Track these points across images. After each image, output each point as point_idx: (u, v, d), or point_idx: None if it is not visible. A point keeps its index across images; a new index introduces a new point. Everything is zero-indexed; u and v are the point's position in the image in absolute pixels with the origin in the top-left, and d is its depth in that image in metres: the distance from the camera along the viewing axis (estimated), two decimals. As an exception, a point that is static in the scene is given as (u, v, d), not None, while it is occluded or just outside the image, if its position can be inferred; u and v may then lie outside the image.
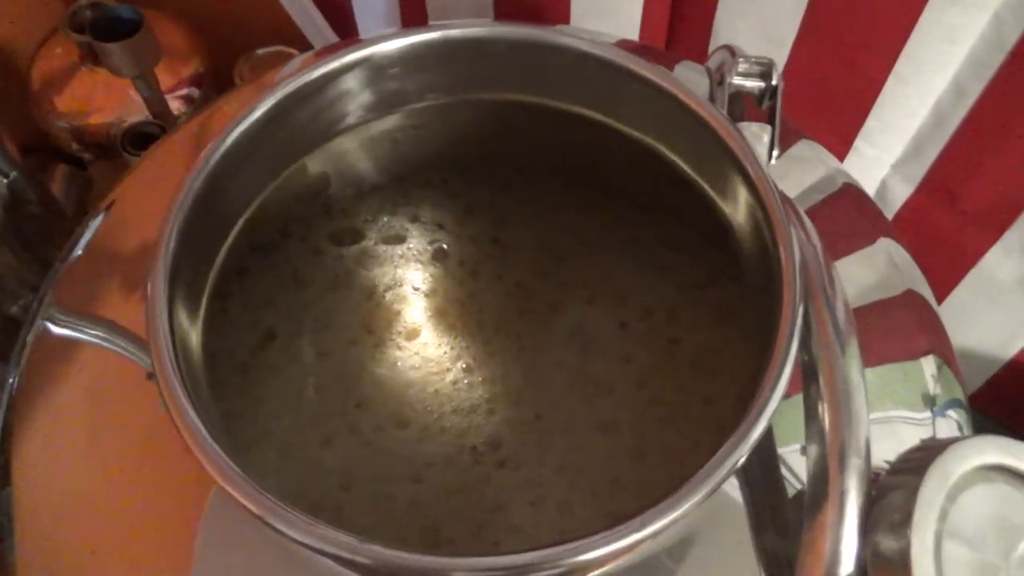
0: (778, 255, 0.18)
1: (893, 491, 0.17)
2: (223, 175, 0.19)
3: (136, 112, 0.47)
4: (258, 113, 0.20)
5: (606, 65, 0.21)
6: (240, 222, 0.21)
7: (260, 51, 0.53)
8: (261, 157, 0.21)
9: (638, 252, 0.31)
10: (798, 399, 0.20)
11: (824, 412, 0.18)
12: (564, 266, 0.32)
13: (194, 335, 0.19)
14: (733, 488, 0.20)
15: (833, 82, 0.38)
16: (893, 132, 0.39)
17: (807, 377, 0.18)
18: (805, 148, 0.29)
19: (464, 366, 0.32)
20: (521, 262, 0.33)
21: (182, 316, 0.18)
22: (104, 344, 0.22)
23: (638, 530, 0.15)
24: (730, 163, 0.20)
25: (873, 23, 0.35)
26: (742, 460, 0.17)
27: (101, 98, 0.49)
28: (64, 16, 0.47)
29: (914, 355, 0.23)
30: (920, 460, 0.17)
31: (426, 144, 0.30)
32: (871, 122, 0.38)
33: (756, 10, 0.37)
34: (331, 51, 0.22)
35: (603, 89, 0.23)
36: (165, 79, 0.50)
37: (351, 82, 0.22)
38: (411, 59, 0.22)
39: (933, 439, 0.20)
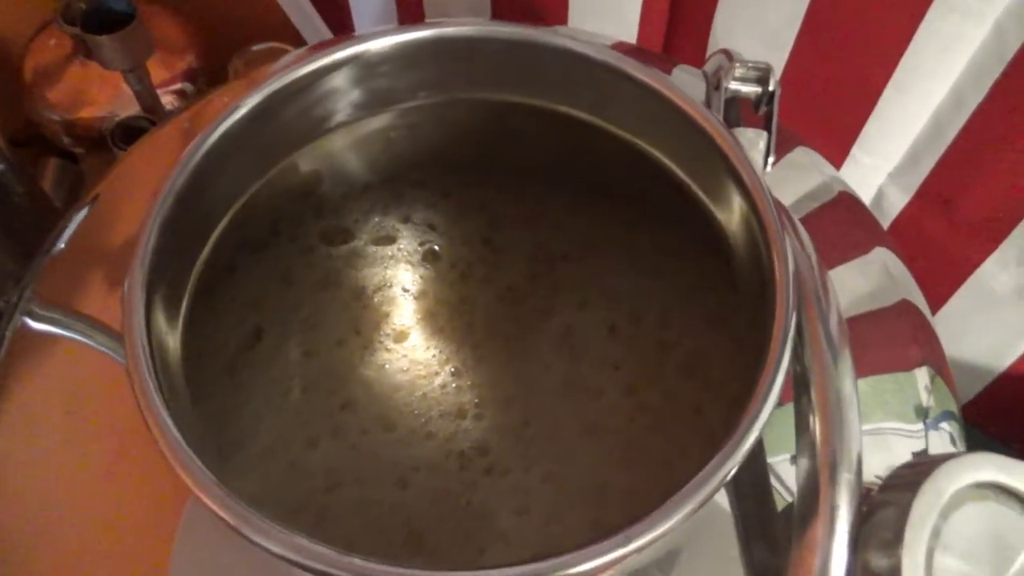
0: (771, 263, 0.18)
1: (884, 508, 0.16)
2: (207, 172, 0.19)
3: (129, 106, 0.47)
4: (244, 110, 0.19)
5: (600, 66, 0.21)
6: (224, 220, 0.21)
7: (255, 47, 0.52)
8: (247, 154, 0.21)
9: (632, 257, 0.31)
10: (790, 407, 0.19)
11: (815, 424, 0.17)
12: (556, 270, 0.32)
13: (173, 337, 0.18)
14: (722, 500, 0.20)
15: (831, 89, 0.38)
16: (891, 140, 0.38)
17: (798, 388, 0.18)
18: (802, 155, 0.29)
19: (452, 370, 0.31)
20: (513, 265, 0.32)
21: (161, 317, 0.18)
22: (83, 340, 0.21)
23: (623, 544, 0.15)
24: (724, 169, 0.20)
25: (872, 30, 0.35)
26: (732, 472, 0.17)
27: (94, 91, 0.49)
28: (58, 8, 0.46)
29: (908, 366, 0.23)
30: (912, 476, 0.16)
31: (420, 144, 0.29)
32: (869, 130, 0.38)
33: (755, 14, 0.37)
34: (323, 47, 0.21)
35: (597, 91, 0.22)
36: (159, 73, 0.49)
37: (341, 79, 0.21)
38: (403, 57, 0.21)
39: (925, 455, 0.20)
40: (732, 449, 0.16)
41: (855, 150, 0.40)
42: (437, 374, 0.31)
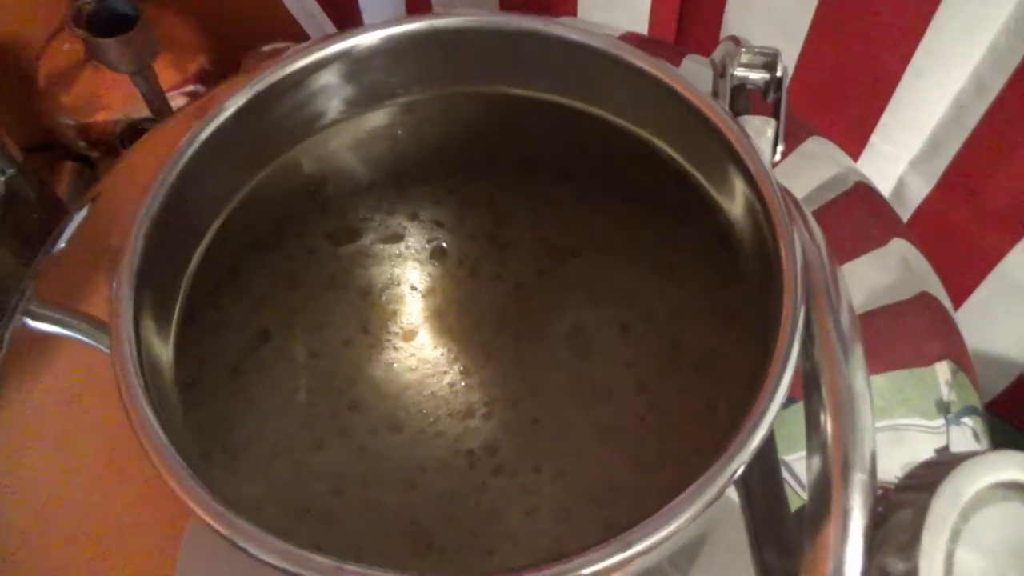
0: (778, 255, 0.17)
1: (901, 509, 0.15)
2: (196, 173, 0.18)
3: (143, 109, 0.47)
4: (231, 110, 0.19)
5: (598, 55, 0.20)
6: (219, 220, 0.20)
7: (266, 47, 0.52)
8: (238, 153, 0.20)
9: (642, 252, 0.30)
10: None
11: (826, 423, 0.16)
12: (565, 266, 0.31)
13: (166, 340, 0.18)
14: (733, 500, 0.19)
15: (847, 76, 0.37)
16: (910, 128, 0.37)
17: (808, 385, 0.17)
18: (816, 145, 0.28)
19: (461, 368, 0.31)
20: (521, 261, 0.32)
21: (152, 320, 0.17)
22: (83, 339, 0.21)
23: (625, 548, 0.14)
24: (728, 157, 0.19)
25: (889, 14, 0.34)
26: (739, 472, 0.16)
27: (107, 95, 0.49)
28: (69, 11, 0.47)
29: (928, 360, 0.22)
30: (931, 476, 0.16)
31: (426, 140, 0.29)
32: (887, 118, 0.37)
33: (767, 2, 0.36)
34: (314, 43, 0.21)
35: (599, 81, 0.22)
36: (171, 75, 0.49)
37: (332, 75, 0.21)
38: (395, 51, 0.21)
39: (946, 452, 0.19)
40: (737, 449, 0.15)
41: (874, 139, 0.38)
42: (446, 373, 0.31)
